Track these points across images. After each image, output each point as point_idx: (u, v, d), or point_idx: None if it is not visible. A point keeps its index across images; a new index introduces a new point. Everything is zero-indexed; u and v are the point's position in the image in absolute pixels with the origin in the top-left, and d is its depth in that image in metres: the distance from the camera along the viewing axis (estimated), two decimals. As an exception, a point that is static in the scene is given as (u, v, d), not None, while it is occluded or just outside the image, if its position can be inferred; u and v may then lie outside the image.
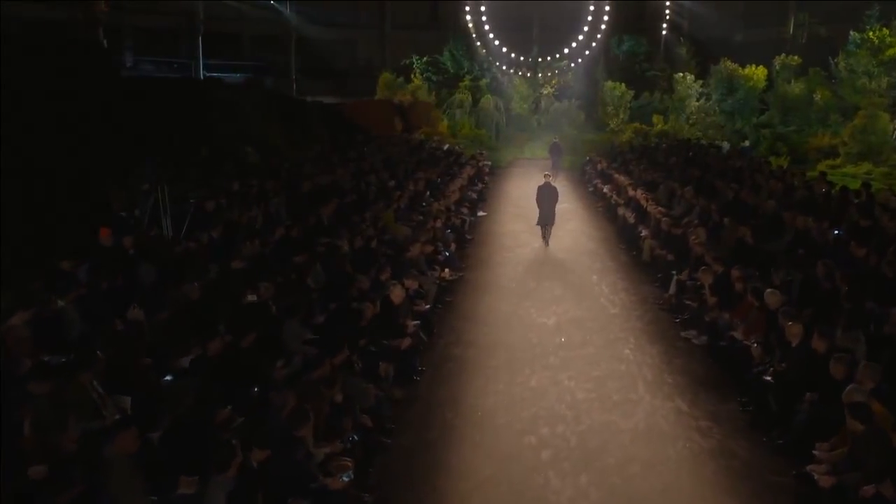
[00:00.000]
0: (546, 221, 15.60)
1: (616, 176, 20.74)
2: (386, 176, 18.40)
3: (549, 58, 36.00)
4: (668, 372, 9.06)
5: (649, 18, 38.60)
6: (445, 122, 33.89)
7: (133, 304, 7.64)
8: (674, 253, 12.57)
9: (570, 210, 19.52)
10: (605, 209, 19.55)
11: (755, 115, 31.96)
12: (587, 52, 35.38)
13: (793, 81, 30.91)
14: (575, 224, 17.99)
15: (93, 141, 13.69)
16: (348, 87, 37.48)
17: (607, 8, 34.67)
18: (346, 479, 5.72)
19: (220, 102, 21.33)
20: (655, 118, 33.56)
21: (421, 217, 15.08)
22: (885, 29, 26.27)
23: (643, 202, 15.91)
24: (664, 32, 37.57)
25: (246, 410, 6.20)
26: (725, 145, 28.27)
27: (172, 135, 16.37)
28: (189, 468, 5.08)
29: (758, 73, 31.95)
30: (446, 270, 12.32)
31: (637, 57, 37.44)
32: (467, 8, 34.55)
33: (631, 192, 17.41)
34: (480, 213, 19.10)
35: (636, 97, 34.86)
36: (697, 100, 33.46)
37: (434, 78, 36.50)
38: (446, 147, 28.00)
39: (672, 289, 11.59)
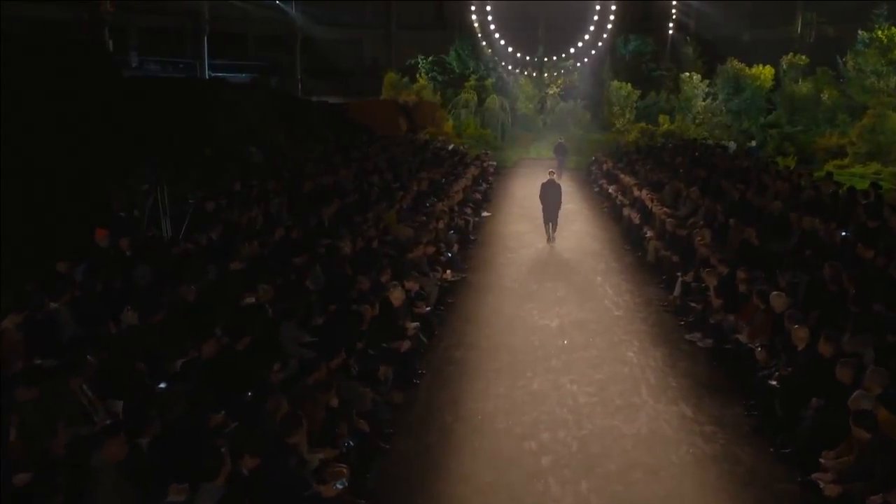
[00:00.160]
0: (550, 219, 15.71)
1: (621, 176, 20.54)
2: (389, 176, 18.30)
3: (554, 57, 35.80)
4: (671, 375, 8.94)
5: (656, 18, 38.31)
6: (451, 122, 33.70)
7: (127, 307, 7.55)
8: (679, 254, 12.43)
9: (576, 211, 19.39)
10: (610, 209, 19.37)
11: (762, 114, 31.68)
12: (593, 52, 35.14)
13: (800, 81, 30.63)
14: (580, 225, 17.85)
15: (93, 141, 13.67)
16: (353, 87, 37.37)
17: (613, 7, 34.44)
18: (340, 486, 5.61)
19: (224, 102, 21.31)
20: (661, 118, 33.31)
21: (424, 218, 14.95)
22: (893, 28, 25.99)
23: (648, 202, 15.76)
24: (670, 32, 37.30)
25: (240, 415, 6.09)
26: (732, 145, 28.02)
27: (173, 135, 16.33)
28: (179, 475, 4.98)
29: (765, 72, 31.68)
30: (448, 272, 12.20)
31: (643, 57, 37.17)
32: (473, 8, 34.39)
33: (636, 193, 17.23)
34: (485, 214, 18.98)
35: (642, 97, 34.59)
36: (704, 99, 33.22)
37: (439, 78, 36.31)
38: (451, 147, 27.84)
39: (677, 290, 11.46)
